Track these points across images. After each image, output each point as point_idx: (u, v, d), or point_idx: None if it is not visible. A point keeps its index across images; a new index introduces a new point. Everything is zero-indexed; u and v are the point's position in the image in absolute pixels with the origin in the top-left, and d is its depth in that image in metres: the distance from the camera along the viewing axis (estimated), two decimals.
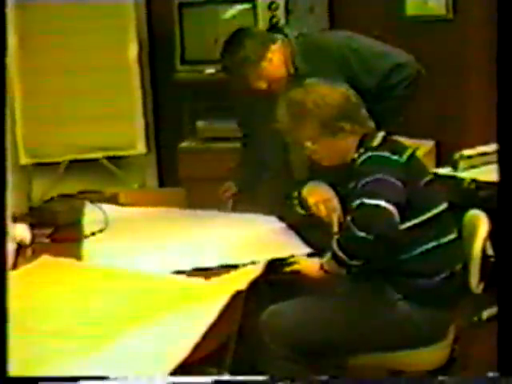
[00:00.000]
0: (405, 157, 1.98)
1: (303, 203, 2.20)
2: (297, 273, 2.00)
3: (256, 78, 2.37)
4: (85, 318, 1.76)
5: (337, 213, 2.12)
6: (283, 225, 2.44)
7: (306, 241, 2.28)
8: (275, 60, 2.37)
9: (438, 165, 3.37)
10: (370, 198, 1.83)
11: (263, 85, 2.38)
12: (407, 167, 1.96)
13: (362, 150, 1.99)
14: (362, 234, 1.81)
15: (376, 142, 2.01)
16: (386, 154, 1.95)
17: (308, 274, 1.98)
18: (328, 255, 1.93)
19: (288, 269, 2.02)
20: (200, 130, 3.72)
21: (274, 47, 2.38)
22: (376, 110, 2.13)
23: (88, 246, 2.30)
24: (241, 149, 2.84)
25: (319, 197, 2.16)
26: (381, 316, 1.95)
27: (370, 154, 1.96)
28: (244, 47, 2.36)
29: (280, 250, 2.19)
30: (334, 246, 1.89)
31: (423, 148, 3.51)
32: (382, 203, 1.82)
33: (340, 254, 1.87)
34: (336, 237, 1.92)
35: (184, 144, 3.75)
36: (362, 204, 1.83)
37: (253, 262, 2.04)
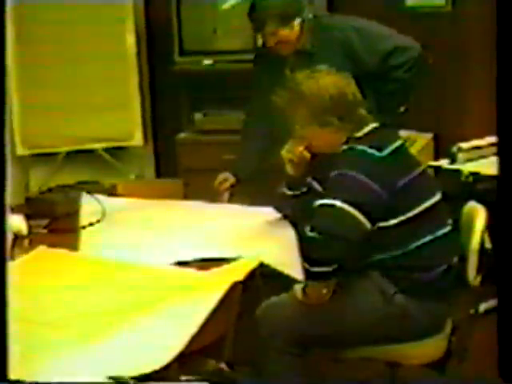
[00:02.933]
0: (387, 151, 1.93)
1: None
2: None
3: (271, 34, 2.48)
4: (82, 310, 1.76)
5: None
6: (279, 216, 2.44)
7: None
8: (294, 30, 2.48)
9: (437, 158, 3.37)
10: (329, 196, 1.82)
11: (272, 42, 2.49)
12: (388, 162, 1.92)
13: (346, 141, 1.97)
14: (312, 234, 1.80)
15: (361, 133, 1.98)
16: (364, 147, 1.91)
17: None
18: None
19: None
20: (198, 121, 3.71)
21: (297, 19, 2.49)
22: (377, 95, 2.14)
23: (85, 237, 2.29)
24: (240, 139, 2.85)
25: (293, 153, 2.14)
26: (378, 309, 1.95)
27: (350, 145, 1.94)
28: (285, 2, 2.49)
29: (274, 242, 2.20)
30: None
31: (421, 140, 3.51)
32: (338, 203, 1.80)
33: (307, 266, 1.86)
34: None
35: (181, 135, 3.75)
36: (320, 205, 1.83)
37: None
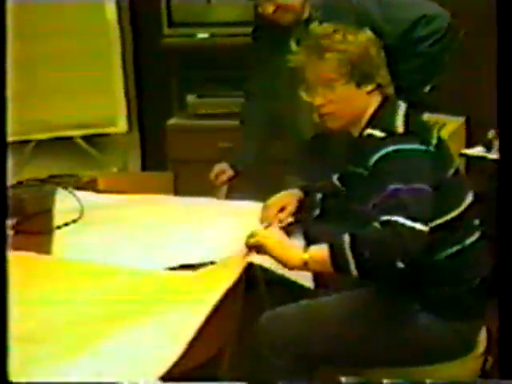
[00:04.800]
0: (434, 142, 1.92)
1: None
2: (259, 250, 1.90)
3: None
4: (60, 321, 1.77)
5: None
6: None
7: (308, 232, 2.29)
8: None
9: (469, 145, 3.37)
10: (393, 213, 1.75)
11: (270, 8, 2.44)
12: (436, 157, 1.90)
13: (378, 133, 1.90)
14: (402, 266, 1.74)
15: (399, 122, 1.93)
16: (413, 145, 1.87)
17: (283, 262, 1.86)
18: (316, 249, 1.83)
19: (250, 241, 1.93)
20: (191, 104, 3.72)
21: None
22: (398, 72, 2.14)
23: (60, 239, 2.30)
24: (239, 125, 2.85)
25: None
26: (397, 329, 1.95)
27: (391, 147, 1.86)
28: None
29: None
30: (346, 245, 1.77)
31: (451, 125, 3.50)
32: (406, 221, 1.74)
33: (348, 255, 1.75)
34: (347, 240, 1.78)
35: (172, 121, 3.75)
36: (387, 222, 1.75)
37: None
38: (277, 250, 1.86)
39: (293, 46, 2.36)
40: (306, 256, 1.82)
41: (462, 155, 3.18)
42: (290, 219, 2.20)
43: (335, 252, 1.78)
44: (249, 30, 2.86)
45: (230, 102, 3.54)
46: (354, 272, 1.76)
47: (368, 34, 2.02)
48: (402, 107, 2.00)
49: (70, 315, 1.79)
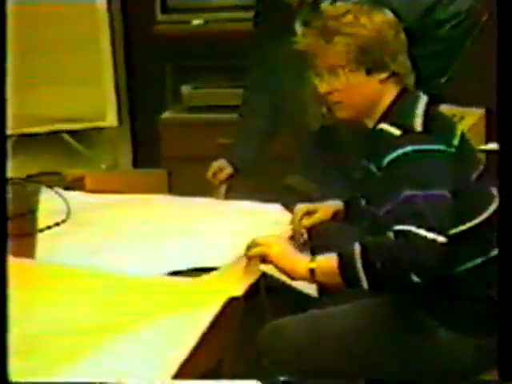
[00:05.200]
0: (456, 142, 1.89)
1: None
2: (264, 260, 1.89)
3: None
4: (43, 332, 1.77)
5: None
6: (289, 215, 2.44)
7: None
8: None
9: (489, 139, 3.36)
10: (407, 222, 1.73)
11: None
12: (458, 159, 1.87)
13: (394, 130, 1.88)
14: (417, 280, 1.73)
15: (418, 118, 1.90)
16: (432, 145, 1.84)
17: (287, 271, 1.85)
18: (324, 258, 1.83)
19: (252, 252, 1.91)
20: (186, 96, 3.72)
21: None
22: (413, 59, 2.12)
23: (44, 242, 2.30)
24: (238, 119, 2.86)
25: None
26: (413, 344, 1.94)
27: (408, 148, 1.83)
28: None
29: None
30: (356, 255, 1.76)
31: (470, 118, 3.50)
32: (420, 231, 1.72)
33: (359, 267, 1.75)
34: (358, 249, 1.77)
35: (166, 114, 3.76)
36: (401, 232, 1.73)
37: None
38: (281, 259, 1.85)
39: (298, 27, 2.36)
40: (313, 265, 1.81)
41: (481, 151, 3.17)
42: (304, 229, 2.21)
43: (344, 262, 1.77)
44: (249, 14, 2.87)
45: (228, 93, 3.55)
46: (365, 285, 1.76)
47: (386, 15, 1.98)
48: (422, 100, 1.96)
49: (54, 325, 1.79)
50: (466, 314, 1.92)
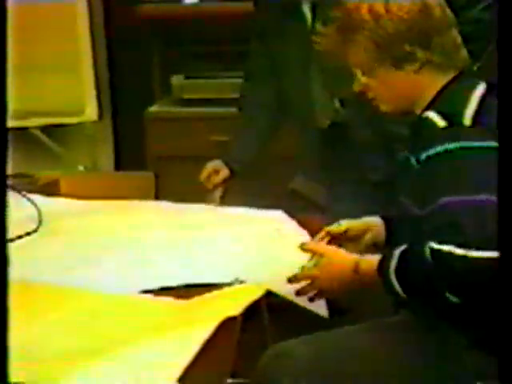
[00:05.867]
0: None
1: None
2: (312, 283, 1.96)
3: None
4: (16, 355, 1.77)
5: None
6: (293, 223, 2.45)
7: None
8: None
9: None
10: (444, 235, 1.75)
11: None
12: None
13: (439, 120, 1.86)
14: (454, 299, 1.76)
15: (469, 109, 1.88)
16: (481, 142, 1.82)
17: (331, 276, 1.93)
18: (369, 258, 1.90)
19: (300, 275, 1.98)
20: (176, 88, 3.73)
21: None
22: None
23: (12, 254, 2.30)
24: (236, 114, 2.87)
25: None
26: (439, 366, 1.94)
27: (452, 144, 1.82)
28: None
29: (288, 262, 2.20)
30: (391, 270, 1.82)
31: None
32: (457, 250, 1.73)
33: (395, 285, 1.82)
34: (396, 258, 1.82)
35: (153, 108, 3.77)
36: (438, 252, 1.75)
37: (240, 282, 2.06)
38: (336, 285, 1.94)
39: (306, 9, 2.37)
40: (358, 260, 1.90)
41: None
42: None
43: (382, 273, 1.84)
44: None
45: (225, 84, 3.56)
46: (403, 296, 1.83)
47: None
48: (478, 89, 1.95)
49: (21, 352, 1.79)
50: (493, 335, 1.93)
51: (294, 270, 2.05)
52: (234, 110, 2.90)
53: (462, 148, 1.83)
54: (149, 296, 2.04)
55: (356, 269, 1.89)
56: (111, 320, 1.93)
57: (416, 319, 1.98)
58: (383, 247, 2.15)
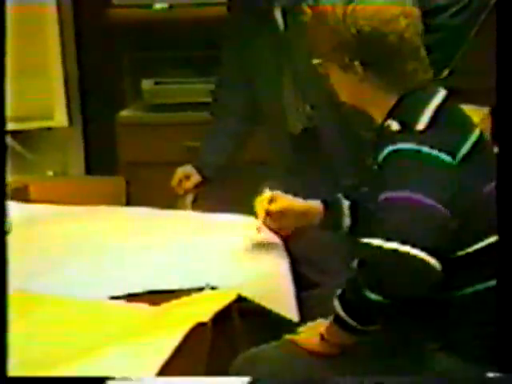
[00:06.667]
0: (465, 150, 1.91)
1: None
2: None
3: None
4: None
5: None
6: (265, 228, 2.45)
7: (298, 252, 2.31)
8: None
9: (494, 139, 3.39)
10: (388, 234, 1.77)
11: None
12: (465, 169, 1.89)
13: (395, 125, 1.91)
14: (376, 297, 1.78)
15: (425, 115, 1.92)
16: (430, 149, 1.85)
17: (308, 349, 1.96)
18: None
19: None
20: (146, 92, 3.72)
21: None
22: None
23: None
24: (208, 119, 2.87)
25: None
26: (407, 369, 1.94)
27: (400, 145, 1.87)
28: None
29: (258, 266, 2.23)
30: (337, 307, 1.86)
31: (474, 117, 3.52)
32: (410, 250, 1.74)
33: (347, 319, 1.86)
34: (338, 292, 1.88)
35: (124, 113, 3.76)
36: (377, 248, 1.78)
37: (212, 287, 2.07)
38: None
39: (278, 15, 2.37)
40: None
41: None
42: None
43: (336, 316, 1.88)
44: None
45: (196, 89, 3.56)
46: (361, 327, 1.87)
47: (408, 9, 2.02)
48: (437, 97, 1.99)
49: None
50: (469, 338, 1.94)
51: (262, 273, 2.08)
52: (205, 115, 2.91)
53: (409, 150, 1.87)
54: (120, 302, 2.05)
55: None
56: (82, 326, 1.93)
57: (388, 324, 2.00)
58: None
